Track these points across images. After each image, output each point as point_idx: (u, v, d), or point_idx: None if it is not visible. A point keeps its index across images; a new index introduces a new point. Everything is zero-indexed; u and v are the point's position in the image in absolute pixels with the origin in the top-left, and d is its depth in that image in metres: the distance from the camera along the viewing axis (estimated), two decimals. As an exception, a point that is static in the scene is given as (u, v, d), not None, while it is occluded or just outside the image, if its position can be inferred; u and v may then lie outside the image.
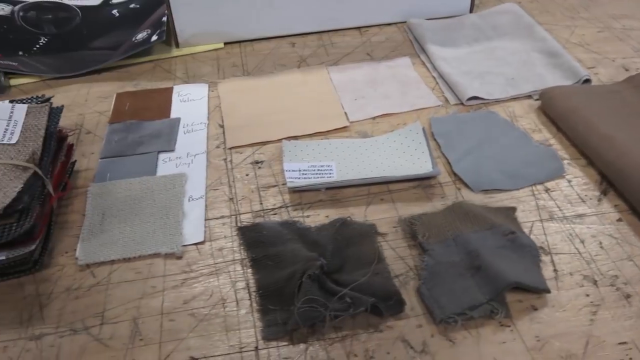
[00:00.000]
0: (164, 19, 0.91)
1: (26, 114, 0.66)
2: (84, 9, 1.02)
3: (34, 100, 0.69)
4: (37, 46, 0.92)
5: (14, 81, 0.88)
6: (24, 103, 0.67)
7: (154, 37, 0.88)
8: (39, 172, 0.62)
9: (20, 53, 0.90)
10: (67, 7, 1.02)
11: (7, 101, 0.68)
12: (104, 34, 0.96)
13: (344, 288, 0.54)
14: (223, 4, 0.89)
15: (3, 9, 0.99)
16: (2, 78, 0.87)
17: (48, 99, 0.68)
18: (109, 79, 0.88)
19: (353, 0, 0.92)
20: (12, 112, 0.66)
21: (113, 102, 0.82)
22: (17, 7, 1.00)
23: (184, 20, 0.90)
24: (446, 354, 0.50)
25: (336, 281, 0.55)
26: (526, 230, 0.61)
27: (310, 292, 0.53)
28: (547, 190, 0.66)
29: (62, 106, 0.69)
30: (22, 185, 0.59)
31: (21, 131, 0.65)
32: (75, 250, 0.62)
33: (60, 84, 0.87)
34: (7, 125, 0.65)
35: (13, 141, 0.64)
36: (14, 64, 0.88)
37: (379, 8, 0.94)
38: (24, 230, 0.56)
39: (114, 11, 1.01)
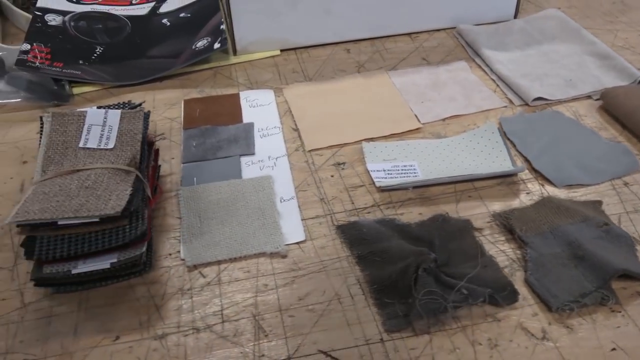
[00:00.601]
0: (222, 26, 0.93)
1: (120, 119, 0.66)
2: (132, 18, 1.03)
3: (122, 106, 0.70)
4: (95, 55, 0.93)
5: (76, 90, 0.88)
6: (112, 109, 0.68)
7: (217, 45, 0.90)
8: (140, 176, 0.63)
9: (81, 62, 0.91)
10: (115, 17, 1.03)
11: (96, 107, 0.69)
12: (159, 42, 0.97)
13: (457, 280, 0.56)
14: (282, 13, 0.91)
15: (54, 19, 0.99)
16: (67, 86, 0.87)
17: (139, 105, 0.69)
18: (172, 86, 0.89)
19: (404, 7, 0.95)
20: (105, 118, 0.66)
21: (182, 109, 0.83)
22: (67, 17, 1.00)
23: (243, 28, 0.91)
24: (567, 339, 0.53)
25: (446, 274, 0.57)
26: (615, 222, 0.63)
27: (428, 285, 0.55)
28: (626, 184, 0.69)
29: (149, 112, 0.70)
30: (131, 188, 0.60)
31: (117, 136, 0.65)
32: (177, 252, 0.63)
33: (122, 92, 0.88)
34: (102, 131, 0.66)
35: (110, 146, 0.65)
36: (77, 72, 0.88)
37: (429, 14, 0.97)
38: (140, 232, 0.57)
39: (164, 20, 1.02)
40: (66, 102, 0.86)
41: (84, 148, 0.65)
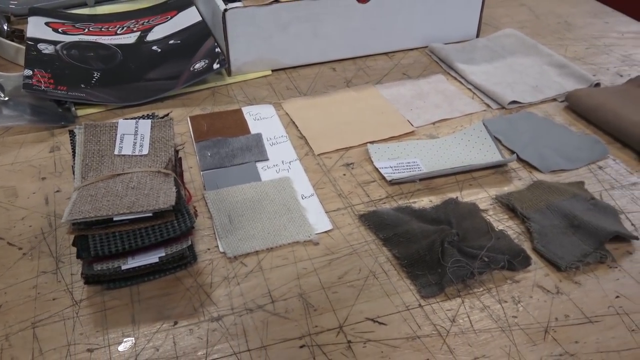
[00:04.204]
0: (217, 49, 0.99)
1: (151, 128, 0.71)
2: (121, 47, 1.08)
3: (147, 117, 0.74)
4: (94, 79, 0.97)
5: (80, 112, 0.91)
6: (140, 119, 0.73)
7: (216, 65, 0.95)
8: (177, 178, 0.67)
9: (82, 85, 0.94)
10: (105, 46, 1.07)
11: (129, 118, 0.73)
12: (154, 66, 1.01)
13: (478, 250, 0.63)
14: (274, 36, 0.98)
15: (47, 48, 1.03)
16: (73, 108, 0.90)
17: (166, 115, 0.74)
18: (174, 106, 0.94)
19: (382, 30, 1.05)
20: (136, 127, 0.71)
21: (190, 124, 0.88)
22: (58, 47, 1.04)
23: (238, 51, 0.98)
24: (578, 292, 0.61)
25: (466, 247, 0.64)
26: (597, 198, 0.73)
27: (454, 255, 0.62)
28: (600, 167, 0.79)
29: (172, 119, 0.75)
30: (175, 187, 0.64)
31: (150, 143, 0.70)
32: (215, 246, 0.67)
33: (126, 112, 0.92)
34: (135, 139, 0.70)
35: (144, 152, 0.69)
36: (82, 95, 0.92)
37: (403, 36, 1.07)
38: (189, 225, 0.61)
39: (155, 47, 1.07)
40: (73, 123, 0.89)
41: (119, 155, 0.68)
